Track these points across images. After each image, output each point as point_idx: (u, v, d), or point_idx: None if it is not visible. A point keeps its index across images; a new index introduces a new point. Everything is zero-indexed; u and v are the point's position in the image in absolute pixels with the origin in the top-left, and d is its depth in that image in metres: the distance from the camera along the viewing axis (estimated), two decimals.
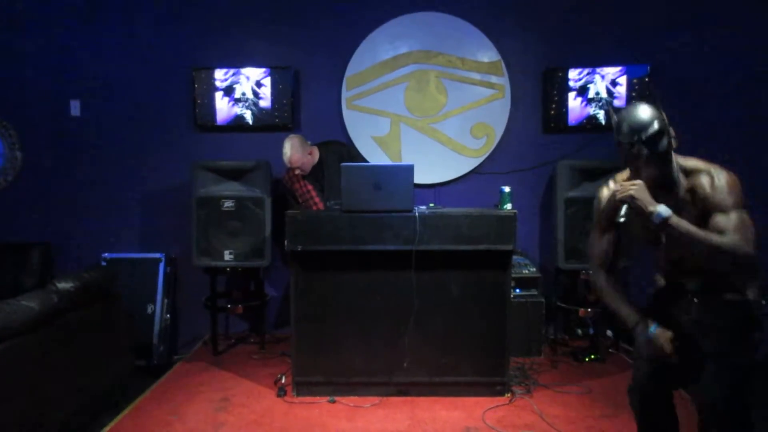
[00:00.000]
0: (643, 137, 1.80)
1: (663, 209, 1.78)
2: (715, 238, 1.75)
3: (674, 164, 1.87)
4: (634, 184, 1.83)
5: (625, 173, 1.98)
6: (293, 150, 3.53)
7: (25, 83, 4.15)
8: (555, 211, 3.74)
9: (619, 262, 2.13)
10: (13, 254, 4.01)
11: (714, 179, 1.83)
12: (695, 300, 1.93)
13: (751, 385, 1.87)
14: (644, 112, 1.84)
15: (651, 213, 1.79)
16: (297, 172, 3.62)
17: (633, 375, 2.09)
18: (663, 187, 1.87)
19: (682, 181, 1.88)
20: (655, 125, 1.80)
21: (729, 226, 1.77)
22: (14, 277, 3.91)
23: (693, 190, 1.85)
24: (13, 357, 2.31)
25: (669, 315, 1.97)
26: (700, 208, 1.83)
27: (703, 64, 3.95)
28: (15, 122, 4.17)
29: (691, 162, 1.89)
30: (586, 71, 3.96)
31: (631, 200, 1.82)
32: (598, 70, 3.95)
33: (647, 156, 1.81)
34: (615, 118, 1.90)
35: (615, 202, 1.90)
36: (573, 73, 3.96)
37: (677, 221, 1.77)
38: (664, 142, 1.81)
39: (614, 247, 2.05)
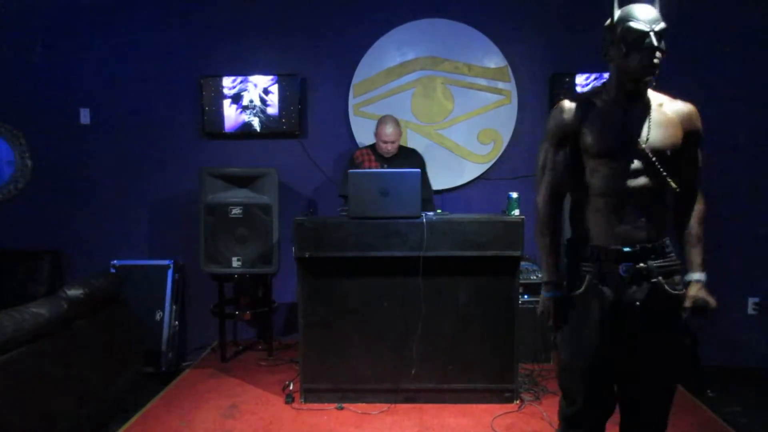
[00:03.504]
0: (657, 29, 1.67)
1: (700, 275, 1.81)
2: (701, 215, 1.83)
3: None
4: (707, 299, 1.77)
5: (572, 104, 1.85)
6: (394, 125, 3.60)
7: (35, 92, 4.19)
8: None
9: (565, 192, 1.96)
10: (23, 262, 4.04)
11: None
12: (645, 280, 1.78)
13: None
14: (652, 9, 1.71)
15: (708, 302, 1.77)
16: (386, 150, 3.61)
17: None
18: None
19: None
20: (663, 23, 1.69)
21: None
22: (24, 284, 3.95)
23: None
24: (24, 363, 2.32)
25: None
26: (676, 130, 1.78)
27: (708, 66, 3.94)
28: (25, 130, 4.21)
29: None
30: (593, 76, 3.95)
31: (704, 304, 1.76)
32: (605, 75, 3.93)
33: (659, 55, 1.66)
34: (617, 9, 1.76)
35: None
36: (580, 79, 3.96)
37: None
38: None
39: (568, 171, 1.86)
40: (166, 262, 4.09)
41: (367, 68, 4.10)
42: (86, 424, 2.75)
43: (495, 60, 4.06)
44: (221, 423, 2.95)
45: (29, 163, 4.22)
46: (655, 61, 1.68)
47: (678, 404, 3.02)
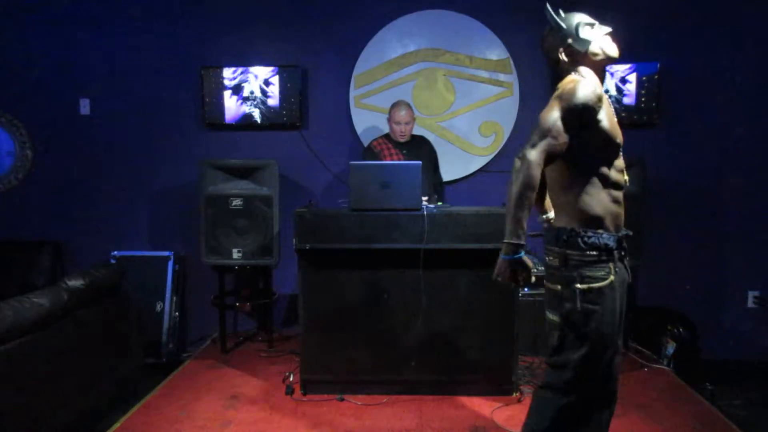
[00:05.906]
0: None
1: None
2: None
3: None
4: None
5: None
6: (407, 108, 3.63)
7: (35, 82, 4.18)
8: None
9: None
10: (23, 252, 4.05)
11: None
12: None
13: None
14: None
15: None
16: (401, 132, 3.63)
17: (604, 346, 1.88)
18: None
19: None
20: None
21: None
22: (25, 275, 3.95)
23: None
24: (24, 354, 2.33)
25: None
26: None
27: (712, 62, 3.92)
28: (25, 121, 4.19)
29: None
30: None
31: None
32: (608, 67, 3.91)
33: None
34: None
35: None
36: None
37: None
38: None
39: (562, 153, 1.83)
40: (166, 253, 4.09)
41: (368, 60, 4.09)
42: (87, 414, 2.77)
43: (497, 52, 4.04)
44: (221, 413, 2.96)
45: (29, 153, 4.22)
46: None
47: (677, 396, 3.04)
